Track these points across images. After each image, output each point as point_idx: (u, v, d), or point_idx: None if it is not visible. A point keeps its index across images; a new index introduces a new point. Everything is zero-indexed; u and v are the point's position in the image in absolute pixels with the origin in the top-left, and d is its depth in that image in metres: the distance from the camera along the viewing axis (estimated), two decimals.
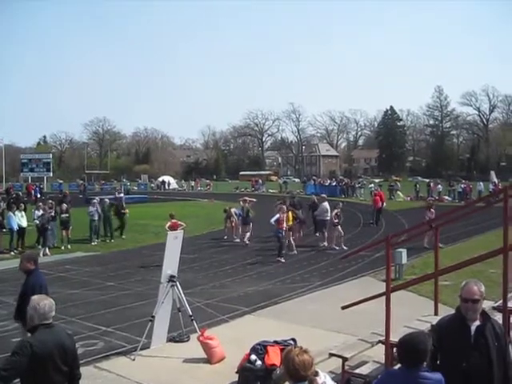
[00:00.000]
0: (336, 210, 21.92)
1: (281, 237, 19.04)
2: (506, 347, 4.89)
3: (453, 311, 5.04)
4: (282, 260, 18.56)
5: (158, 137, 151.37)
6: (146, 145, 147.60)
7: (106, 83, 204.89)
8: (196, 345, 9.27)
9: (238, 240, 23.71)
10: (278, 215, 19.05)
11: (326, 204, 23.07)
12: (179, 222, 18.88)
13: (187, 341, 10.04)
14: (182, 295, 9.95)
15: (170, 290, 9.80)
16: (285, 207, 19.98)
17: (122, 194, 35.88)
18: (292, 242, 20.91)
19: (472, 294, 4.74)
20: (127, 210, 26.59)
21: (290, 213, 20.80)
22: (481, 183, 52.66)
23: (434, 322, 6.57)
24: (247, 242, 22.88)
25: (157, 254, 16.75)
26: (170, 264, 9.93)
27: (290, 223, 20.64)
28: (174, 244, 10.08)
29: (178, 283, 9.92)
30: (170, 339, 10.12)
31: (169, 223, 18.71)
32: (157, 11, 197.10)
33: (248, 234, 23.38)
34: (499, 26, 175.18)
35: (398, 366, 4.39)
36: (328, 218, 22.35)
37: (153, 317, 9.63)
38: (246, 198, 24.97)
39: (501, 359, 4.75)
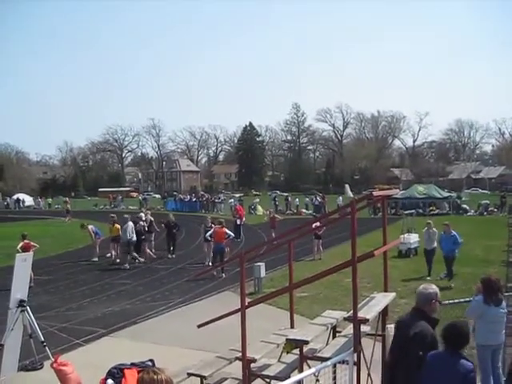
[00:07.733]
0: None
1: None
2: None
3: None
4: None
5: (12, 152, 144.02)
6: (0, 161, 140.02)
7: None
8: (50, 372, 8.75)
9: (95, 259, 23.06)
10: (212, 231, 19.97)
11: None
12: (32, 243, 17.98)
13: (40, 369, 9.64)
14: (34, 320, 9.54)
15: (19, 315, 9.35)
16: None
17: None
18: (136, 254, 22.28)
19: None
20: None
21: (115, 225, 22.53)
22: (340, 197, 55.17)
23: (290, 336, 6.71)
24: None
25: (8, 277, 15.81)
26: (20, 288, 9.51)
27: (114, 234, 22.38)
28: (23, 267, 9.69)
29: (28, 308, 9.49)
30: (22, 368, 9.65)
31: (21, 244, 17.79)
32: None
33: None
34: (351, 45, 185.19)
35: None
36: None
37: (1, 345, 9.12)
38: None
39: None
